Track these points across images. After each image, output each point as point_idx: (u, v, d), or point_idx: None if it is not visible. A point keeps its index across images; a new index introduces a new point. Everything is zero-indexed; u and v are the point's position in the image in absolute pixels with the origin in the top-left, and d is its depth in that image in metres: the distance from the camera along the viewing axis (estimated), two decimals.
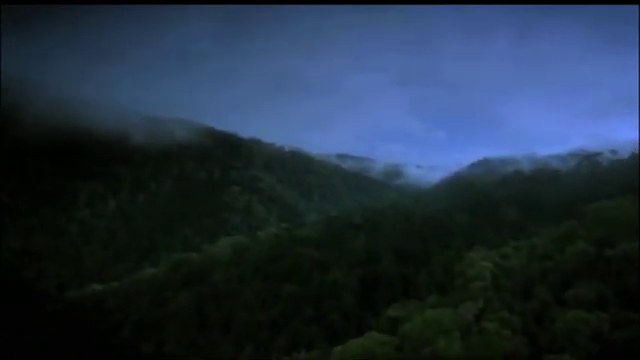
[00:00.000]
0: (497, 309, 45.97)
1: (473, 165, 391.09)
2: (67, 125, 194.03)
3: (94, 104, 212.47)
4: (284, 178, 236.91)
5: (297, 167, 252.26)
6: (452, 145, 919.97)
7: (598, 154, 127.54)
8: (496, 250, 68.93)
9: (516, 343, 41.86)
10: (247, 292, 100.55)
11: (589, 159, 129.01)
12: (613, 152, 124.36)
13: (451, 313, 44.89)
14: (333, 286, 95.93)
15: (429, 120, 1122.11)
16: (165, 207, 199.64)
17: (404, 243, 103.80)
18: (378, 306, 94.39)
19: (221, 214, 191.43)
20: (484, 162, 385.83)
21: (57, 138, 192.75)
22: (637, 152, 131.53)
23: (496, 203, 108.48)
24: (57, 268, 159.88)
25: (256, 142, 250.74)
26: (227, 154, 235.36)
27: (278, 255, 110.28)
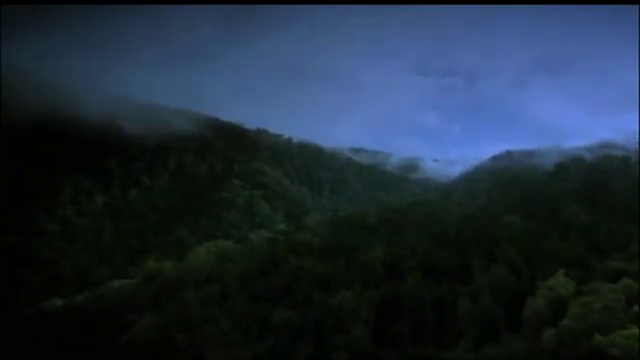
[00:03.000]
0: None
1: (495, 158, 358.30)
2: (51, 113, 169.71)
3: (82, 91, 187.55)
4: (292, 172, 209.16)
5: (306, 160, 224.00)
6: (468, 138, 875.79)
7: None
8: (602, 278, 39.49)
9: None
10: (227, 317, 73.51)
11: None
12: None
13: None
14: (340, 313, 68.26)
15: (445, 112, 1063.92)
16: (159, 204, 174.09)
17: (435, 253, 75.22)
18: (400, 343, 66.72)
19: (220, 212, 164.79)
20: (506, 155, 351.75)
21: (39, 127, 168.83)
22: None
23: (556, 200, 79.06)
24: (32, 273, 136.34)
25: (262, 133, 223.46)
26: (230, 146, 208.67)
27: (270, 267, 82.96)
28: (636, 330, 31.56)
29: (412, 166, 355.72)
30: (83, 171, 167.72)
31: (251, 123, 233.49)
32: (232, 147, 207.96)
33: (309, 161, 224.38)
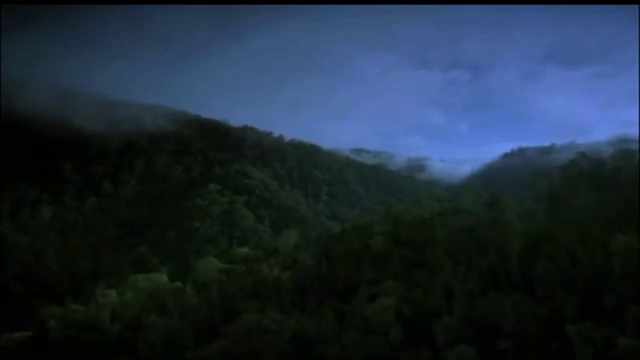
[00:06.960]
0: None
1: (507, 156, 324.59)
2: None
3: (29, 82, 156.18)
4: (283, 174, 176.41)
5: (300, 160, 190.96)
6: (474, 137, 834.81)
7: None
8: None
9: None
10: None
11: None
12: None
13: None
14: None
15: (450, 111, 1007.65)
16: (123, 215, 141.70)
17: (492, 301, 41.84)
18: None
19: (192, 223, 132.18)
20: (518, 153, 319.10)
21: None
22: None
23: None
24: None
25: (248, 131, 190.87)
26: (211, 146, 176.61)
27: (217, 322, 50.07)
28: None
29: (418, 167, 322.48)
30: (27, 177, 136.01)
31: (244, 122, 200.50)
32: (213, 147, 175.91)
33: (303, 161, 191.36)
